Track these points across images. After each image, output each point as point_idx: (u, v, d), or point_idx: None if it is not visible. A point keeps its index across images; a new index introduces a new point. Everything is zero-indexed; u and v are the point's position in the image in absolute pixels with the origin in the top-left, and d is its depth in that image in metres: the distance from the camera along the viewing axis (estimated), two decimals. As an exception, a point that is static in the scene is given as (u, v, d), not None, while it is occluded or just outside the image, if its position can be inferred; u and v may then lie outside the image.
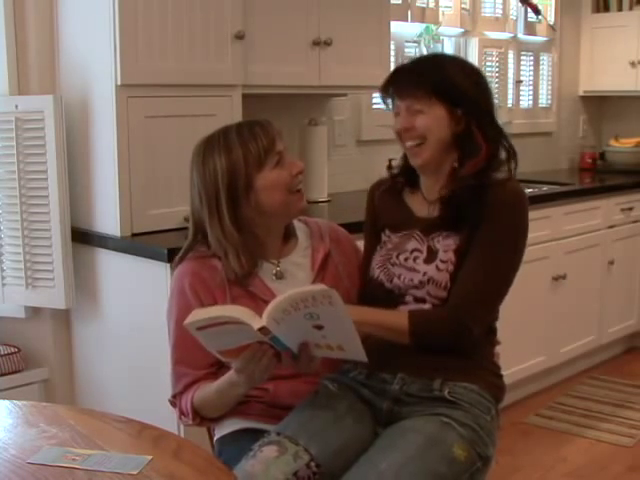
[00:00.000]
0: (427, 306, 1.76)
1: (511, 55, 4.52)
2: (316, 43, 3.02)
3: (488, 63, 4.35)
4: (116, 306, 2.67)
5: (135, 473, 1.36)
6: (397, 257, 1.81)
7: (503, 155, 1.84)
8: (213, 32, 2.66)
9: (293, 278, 1.86)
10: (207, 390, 1.77)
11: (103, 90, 2.53)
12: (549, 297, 3.80)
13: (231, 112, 2.71)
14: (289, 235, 1.91)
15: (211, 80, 2.69)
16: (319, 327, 1.56)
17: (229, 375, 1.69)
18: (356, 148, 3.75)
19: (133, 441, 1.55)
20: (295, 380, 1.79)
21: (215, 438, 1.92)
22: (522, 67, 4.64)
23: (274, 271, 1.86)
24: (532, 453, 3.25)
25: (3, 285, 2.72)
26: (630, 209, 4.24)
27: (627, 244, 4.27)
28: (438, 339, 1.73)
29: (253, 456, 1.62)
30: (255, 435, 1.74)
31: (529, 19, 4.57)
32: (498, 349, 1.88)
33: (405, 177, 1.89)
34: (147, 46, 2.51)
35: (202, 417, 1.82)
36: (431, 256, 1.77)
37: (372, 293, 1.84)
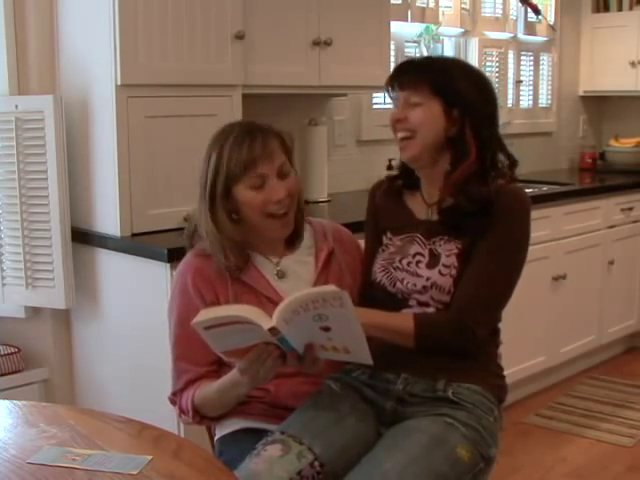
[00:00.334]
0: (431, 310, 1.76)
1: (511, 55, 4.52)
2: (316, 43, 3.02)
3: (488, 63, 4.35)
4: (116, 306, 2.67)
5: (135, 473, 1.36)
6: (400, 261, 1.80)
7: (504, 162, 1.83)
8: (213, 32, 2.66)
9: (296, 277, 1.86)
10: (208, 389, 1.77)
11: (103, 90, 2.53)
12: (549, 297, 3.79)
13: (231, 112, 2.71)
14: (295, 235, 1.90)
15: (211, 80, 2.69)
16: (326, 329, 1.55)
17: (232, 375, 1.69)
18: (356, 148, 3.74)
19: (133, 441, 1.55)
20: (296, 380, 1.79)
21: (216, 438, 1.92)
22: (522, 67, 4.64)
23: (275, 271, 1.86)
24: (532, 453, 3.25)
25: (3, 285, 2.72)
26: (630, 209, 4.24)
27: (627, 244, 4.27)
28: (443, 343, 1.72)
29: (257, 455, 1.62)
30: (256, 435, 1.74)
31: (529, 19, 4.57)
32: (500, 349, 1.88)
33: (405, 178, 1.89)
34: (147, 46, 2.51)
35: (202, 416, 1.82)
36: (434, 260, 1.77)
37: (375, 296, 1.84)
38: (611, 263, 4.15)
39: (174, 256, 2.29)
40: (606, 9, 4.83)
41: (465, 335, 1.71)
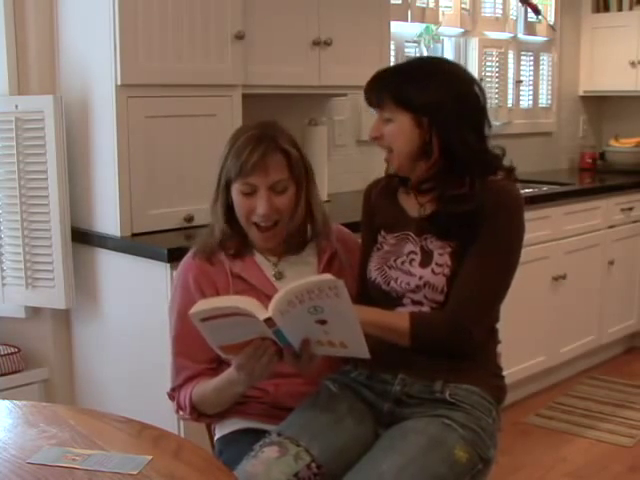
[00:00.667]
0: (425, 309, 1.76)
1: (511, 55, 4.52)
2: (316, 43, 3.02)
3: (488, 63, 4.35)
4: (116, 306, 2.67)
5: (135, 473, 1.36)
6: (394, 261, 1.80)
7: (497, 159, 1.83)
8: (213, 32, 2.66)
9: (297, 277, 1.85)
10: (206, 386, 1.78)
11: (103, 90, 2.53)
12: (549, 297, 3.79)
13: (231, 112, 2.71)
14: (299, 237, 1.89)
15: (211, 80, 2.69)
16: (322, 322, 1.55)
17: (228, 373, 1.70)
18: (356, 148, 3.74)
19: (133, 441, 1.55)
20: (295, 381, 1.79)
21: (215, 438, 1.92)
22: (522, 67, 4.64)
23: (273, 272, 1.86)
24: (532, 453, 3.25)
25: (3, 285, 2.72)
26: (630, 209, 4.24)
27: (627, 244, 4.27)
28: (438, 342, 1.72)
29: (254, 456, 1.62)
30: (255, 435, 1.74)
31: (529, 19, 4.57)
32: (498, 349, 1.88)
33: (399, 177, 1.89)
34: (147, 46, 2.51)
35: (199, 413, 1.83)
36: (426, 259, 1.76)
37: (370, 295, 1.84)
38: (611, 263, 4.15)
39: (174, 256, 2.29)
40: (606, 9, 4.83)
41: (461, 335, 1.71)
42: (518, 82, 4.60)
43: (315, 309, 1.53)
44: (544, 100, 4.81)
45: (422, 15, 3.93)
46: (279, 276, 1.86)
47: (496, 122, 4.41)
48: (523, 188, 4.04)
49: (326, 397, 1.77)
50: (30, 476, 1.37)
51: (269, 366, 1.61)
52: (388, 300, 1.79)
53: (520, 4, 4.48)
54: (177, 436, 1.71)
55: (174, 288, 1.90)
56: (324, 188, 3.35)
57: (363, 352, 1.61)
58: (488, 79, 4.34)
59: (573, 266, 3.89)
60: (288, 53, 2.96)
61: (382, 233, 1.87)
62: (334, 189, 3.44)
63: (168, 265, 2.36)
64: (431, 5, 3.97)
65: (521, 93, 4.65)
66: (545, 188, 4.04)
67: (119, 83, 2.48)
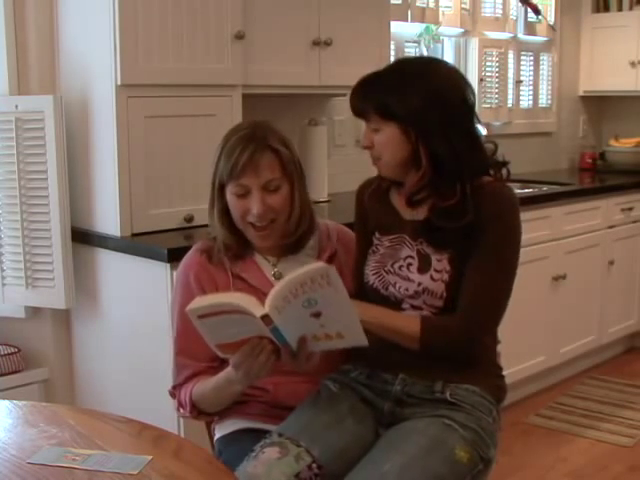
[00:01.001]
0: (425, 313, 1.75)
1: (511, 55, 4.52)
2: (316, 43, 3.02)
3: (488, 63, 4.35)
4: (116, 306, 2.67)
5: (135, 473, 1.36)
6: (392, 265, 1.79)
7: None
8: (213, 32, 2.66)
9: None
10: (206, 385, 1.78)
11: (103, 90, 2.53)
12: (549, 297, 3.79)
13: (231, 112, 2.71)
14: (295, 241, 1.89)
15: (211, 80, 2.69)
16: (317, 315, 1.55)
17: (227, 371, 1.69)
18: (356, 148, 3.73)
19: (133, 441, 1.55)
20: (295, 380, 1.79)
21: (215, 438, 1.92)
22: (522, 67, 4.64)
23: (272, 272, 1.87)
24: (532, 453, 3.26)
25: (3, 285, 2.72)
26: (630, 209, 4.24)
27: (627, 244, 4.27)
28: (450, 350, 1.72)
29: (255, 457, 1.61)
30: (256, 435, 1.74)
31: (529, 19, 4.57)
32: (498, 349, 1.88)
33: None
34: (147, 46, 2.51)
35: (200, 411, 1.83)
36: (424, 264, 1.75)
37: (368, 298, 1.82)
38: (611, 263, 4.15)
39: (174, 256, 2.29)
40: (606, 9, 4.83)
41: (472, 343, 1.73)
42: (518, 82, 4.60)
43: (309, 302, 1.52)
44: (544, 100, 4.81)
45: (422, 15, 3.93)
46: (279, 276, 1.86)
47: (496, 122, 4.42)
48: (523, 188, 4.06)
49: (326, 397, 1.77)
50: (30, 476, 1.37)
51: (267, 365, 1.60)
52: (387, 304, 1.78)
53: (520, 4, 4.48)
54: (177, 436, 1.71)
55: (175, 286, 1.91)
56: (324, 188, 3.35)
57: (361, 340, 1.60)
58: (488, 79, 4.34)
59: (573, 266, 3.89)
60: (288, 53, 2.96)
61: (377, 235, 1.86)
62: (334, 189, 3.44)
63: (168, 265, 2.36)
64: (431, 5, 3.97)
65: (521, 93, 4.65)
66: (545, 188, 4.04)
67: (119, 83, 2.48)
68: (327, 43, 3.04)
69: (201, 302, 1.54)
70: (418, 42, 3.97)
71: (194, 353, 1.81)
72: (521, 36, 4.57)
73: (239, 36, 2.71)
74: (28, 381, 2.77)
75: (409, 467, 1.56)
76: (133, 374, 2.63)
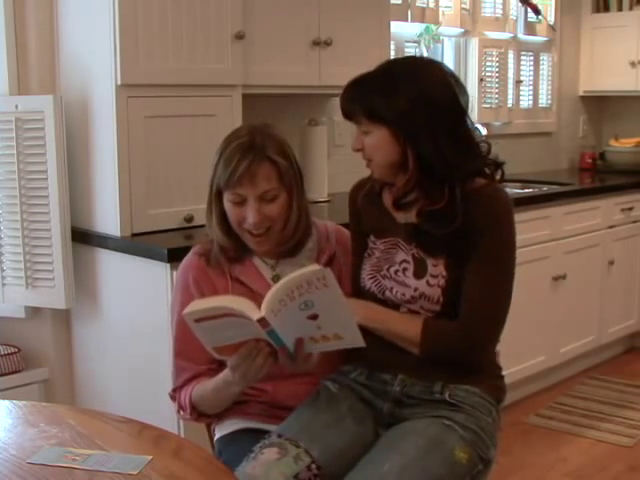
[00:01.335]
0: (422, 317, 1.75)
1: (511, 55, 4.52)
2: (316, 43, 3.02)
3: (488, 63, 4.35)
4: (116, 306, 2.67)
5: (135, 473, 1.36)
6: (388, 270, 1.78)
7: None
8: (213, 32, 2.66)
9: None
10: (205, 387, 1.78)
11: (103, 90, 2.53)
12: (549, 297, 3.79)
13: (231, 112, 2.71)
14: (294, 245, 1.88)
15: (211, 80, 2.69)
16: (314, 317, 1.55)
17: (225, 373, 1.70)
18: (356, 148, 3.74)
19: (133, 441, 1.56)
20: (294, 380, 1.79)
21: (215, 438, 1.92)
22: (522, 67, 4.64)
23: (271, 275, 1.86)
24: (532, 453, 3.25)
25: (3, 285, 2.72)
26: (630, 209, 4.24)
27: (627, 244, 4.27)
28: (450, 356, 1.71)
29: (254, 458, 1.61)
30: (255, 435, 1.74)
31: (529, 19, 4.57)
32: (498, 348, 1.88)
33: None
34: (147, 46, 2.51)
35: (200, 413, 1.83)
36: (420, 269, 1.74)
37: (365, 299, 1.82)
38: (611, 263, 4.15)
39: (174, 256, 2.29)
40: (606, 9, 4.83)
41: (476, 351, 1.72)
42: (518, 82, 4.60)
43: (305, 304, 1.52)
44: (544, 100, 4.81)
45: (422, 15, 3.93)
46: (277, 279, 1.85)
47: (496, 122, 4.42)
48: (523, 188, 4.06)
49: (326, 397, 1.77)
50: (30, 476, 1.37)
51: (264, 367, 1.60)
52: (385, 307, 1.78)
53: (520, 4, 4.49)
54: (177, 436, 1.71)
55: (174, 289, 1.91)
56: (324, 188, 3.35)
57: (358, 341, 1.60)
58: (488, 79, 4.34)
59: (573, 266, 3.89)
60: (288, 53, 2.96)
61: (372, 238, 1.85)
62: (334, 189, 3.44)
63: (168, 265, 2.36)
64: (431, 5, 3.97)
65: (521, 93, 4.65)
66: (545, 188, 4.04)
67: (119, 83, 2.48)
68: (327, 43, 3.04)
69: (197, 306, 1.54)
70: (418, 42, 3.97)
71: (193, 355, 1.81)
72: (521, 36, 4.57)
73: (239, 36, 2.71)
74: (28, 381, 2.77)
75: (408, 467, 1.56)
76: (133, 374, 2.63)
